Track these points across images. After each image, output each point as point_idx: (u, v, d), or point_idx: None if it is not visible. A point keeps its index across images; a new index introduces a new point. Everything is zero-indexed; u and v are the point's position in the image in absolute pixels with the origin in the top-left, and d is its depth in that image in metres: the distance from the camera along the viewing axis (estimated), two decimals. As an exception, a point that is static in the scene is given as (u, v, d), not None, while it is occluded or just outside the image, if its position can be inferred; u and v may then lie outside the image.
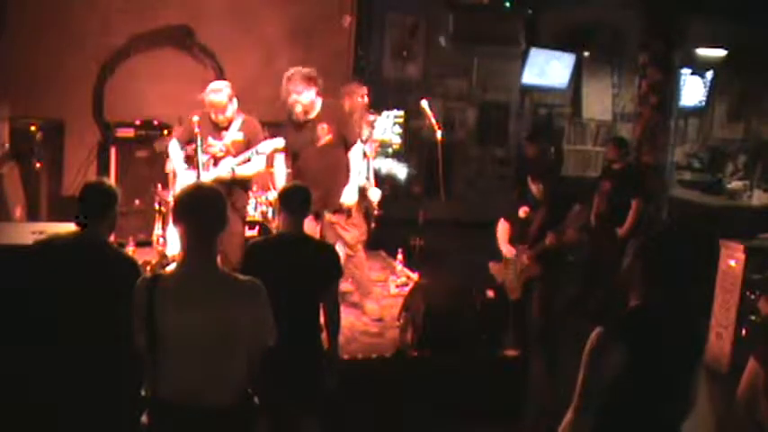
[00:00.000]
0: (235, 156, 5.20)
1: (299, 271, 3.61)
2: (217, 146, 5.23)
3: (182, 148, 5.36)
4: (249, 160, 5.16)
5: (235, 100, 5.26)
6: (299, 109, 5.32)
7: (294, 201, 3.78)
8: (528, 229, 5.44)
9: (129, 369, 3.01)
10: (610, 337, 2.61)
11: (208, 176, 5.10)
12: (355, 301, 5.86)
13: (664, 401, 2.65)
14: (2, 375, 3.56)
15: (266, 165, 5.48)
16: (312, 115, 5.39)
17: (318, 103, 5.39)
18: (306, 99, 5.29)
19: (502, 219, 5.62)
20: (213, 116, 5.22)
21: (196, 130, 5.16)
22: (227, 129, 5.27)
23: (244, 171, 5.20)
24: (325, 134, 5.39)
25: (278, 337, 2.94)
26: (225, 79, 7.50)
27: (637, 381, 2.60)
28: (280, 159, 5.58)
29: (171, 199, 5.48)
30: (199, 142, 5.15)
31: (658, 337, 2.65)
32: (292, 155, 5.51)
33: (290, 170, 5.63)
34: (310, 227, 5.42)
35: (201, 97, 5.19)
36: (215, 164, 5.23)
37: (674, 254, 2.72)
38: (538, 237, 5.35)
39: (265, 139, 5.27)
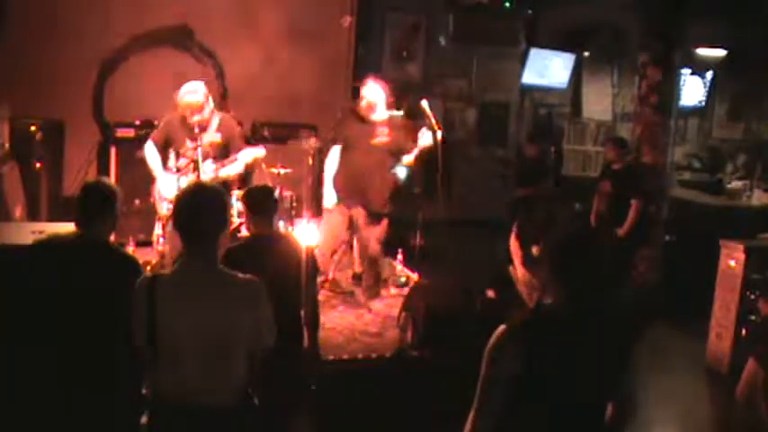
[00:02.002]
0: (213, 158, 5.17)
1: (277, 271, 3.56)
2: (199, 150, 5.18)
3: (158, 151, 5.30)
4: (235, 161, 5.18)
5: (211, 99, 5.21)
6: (363, 103, 5.59)
7: (262, 201, 3.77)
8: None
9: (129, 369, 3.01)
10: (509, 336, 2.53)
11: (188, 180, 5.06)
12: (361, 302, 5.89)
13: (565, 403, 2.52)
14: (2, 375, 3.56)
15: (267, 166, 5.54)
16: (376, 117, 5.61)
17: (385, 112, 5.66)
18: (372, 97, 5.58)
19: (513, 236, 5.58)
20: (189, 118, 5.11)
21: (196, 130, 5.14)
22: (204, 130, 5.20)
23: (226, 172, 5.20)
24: (383, 135, 5.61)
25: None
26: (225, 79, 7.59)
27: (534, 381, 2.49)
28: (335, 150, 5.72)
29: (157, 202, 5.41)
30: (190, 144, 5.12)
31: (560, 338, 2.52)
32: (345, 146, 5.69)
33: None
34: (339, 220, 5.56)
35: (176, 99, 5.13)
36: (194, 168, 5.18)
37: (578, 255, 2.59)
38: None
39: (243, 138, 5.31)
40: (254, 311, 2.79)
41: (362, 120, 5.66)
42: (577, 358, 2.51)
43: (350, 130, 5.70)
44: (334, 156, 5.74)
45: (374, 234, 5.74)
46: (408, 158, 5.78)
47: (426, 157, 5.91)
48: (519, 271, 5.43)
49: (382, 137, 5.63)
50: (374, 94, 5.61)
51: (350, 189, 5.62)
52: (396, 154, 5.74)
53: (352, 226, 5.79)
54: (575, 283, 2.54)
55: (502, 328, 2.55)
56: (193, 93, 5.11)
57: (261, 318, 2.82)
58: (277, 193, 3.97)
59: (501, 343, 2.53)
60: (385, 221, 5.80)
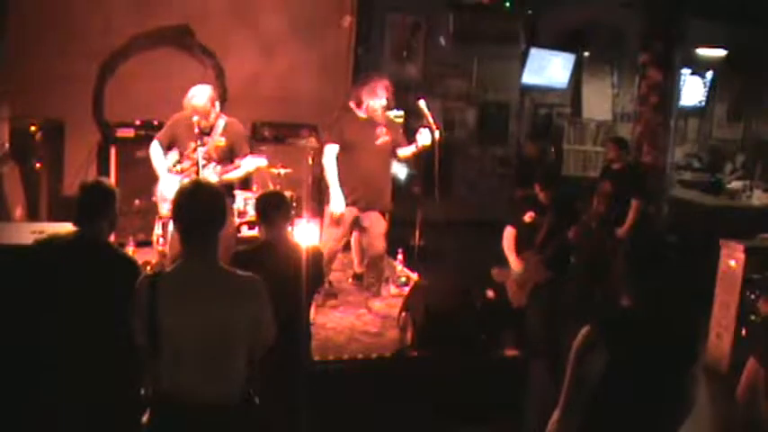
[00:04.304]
0: (217, 161, 5.16)
1: (286, 278, 3.57)
2: (199, 152, 5.19)
3: (164, 151, 5.29)
4: (237, 168, 5.17)
5: (217, 104, 5.20)
6: (379, 112, 5.59)
7: (273, 207, 3.74)
8: (535, 235, 5.47)
9: (130, 369, 3.01)
10: (594, 337, 2.63)
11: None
12: (361, 300, 5.90)
13: (647, 402, 2.64)
14: (2, 375, 3.56)
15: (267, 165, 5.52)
16: (378, 119, 5.63)
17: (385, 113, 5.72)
18: (379, 103, 5.59)
19: (508, 226, 5.63)
20: (196, 121, 5.12)
21: (199, 131, 5.12)
22: (209, 134, 5.19)
23: (227, 177, 5.19)
24: (383, 135, 5.64)
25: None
26: (225, 79, 7.59)
27: (618, 380, 2.60)
28: (332, 151, 5.61)
29: (159, 203, 5.40)
30: (192, 146, 5.12)
31: (640, 338, 2.65)
32: (347, 147, 5.61)
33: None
34: (347, 223, 5.54)
35: (184, 102, 5.13)
36: (196, 171, 5.17)
37: (657, 256, 2.71)
38: (545, 243, 5.37)
39: (248, 143, 5.30)
40: (255, 309, 2.79)
41: (362, 121, 5.61)
42: (656, 357, 2.62)
43: (351, 133, 5.61)
44: (331, 157, 5.60)
45: (382, 231, 5.75)
46: (405, 152, 5.78)
47: (425, 157, 5.91)
48: (513, 264, 5.46)
49: (383, 137, 5.63)
50: (381, 98, 5.57)
51: (363, 192, 5.58)
52: (393, 152, 5.78)
53: (353, 226, 5.77)
54: (653, 284, 2.66)
55: (587, 328, 2.66)
56: (200, 97, 5.10)
57: (261, 315, 2.82)
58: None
59: (586, 343, 2.64)
60: (388, 218, 5.84)
